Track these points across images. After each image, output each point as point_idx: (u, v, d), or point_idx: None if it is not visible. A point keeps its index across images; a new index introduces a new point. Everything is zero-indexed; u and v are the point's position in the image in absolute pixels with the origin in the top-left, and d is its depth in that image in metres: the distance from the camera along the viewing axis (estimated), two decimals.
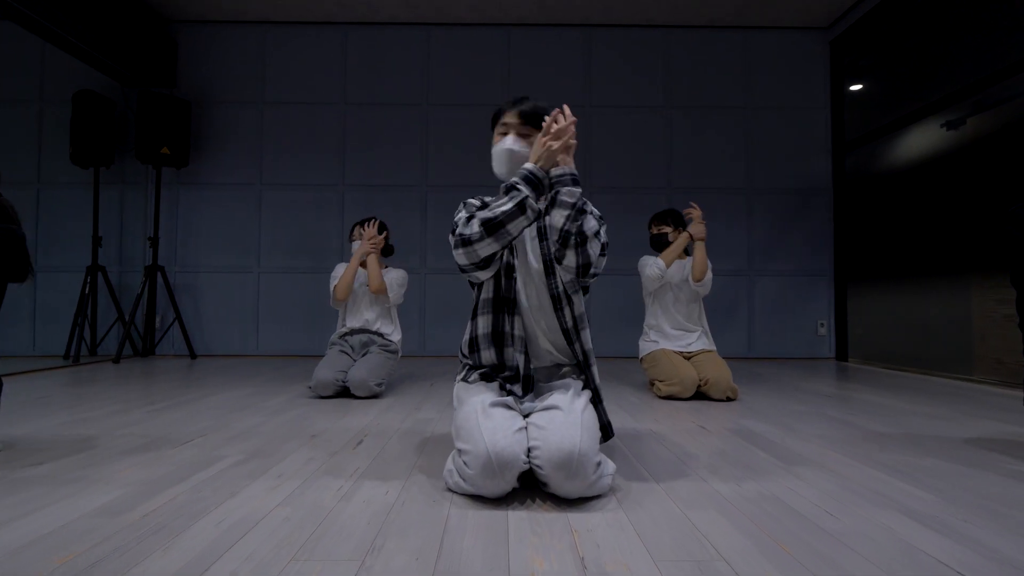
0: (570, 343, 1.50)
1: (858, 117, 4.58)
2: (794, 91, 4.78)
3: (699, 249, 2.77)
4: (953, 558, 0.99)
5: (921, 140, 3.90)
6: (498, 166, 1.56)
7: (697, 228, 2.79)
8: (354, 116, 4.71)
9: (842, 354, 4.60)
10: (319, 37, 4.73)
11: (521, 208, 1.37)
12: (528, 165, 1.43)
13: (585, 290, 1.60)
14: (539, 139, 1.45)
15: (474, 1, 4.42)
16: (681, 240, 2.79)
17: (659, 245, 2.91)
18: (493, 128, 1.62)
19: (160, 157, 4.30)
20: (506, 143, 1.53)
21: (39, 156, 4.62)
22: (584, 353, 1.52)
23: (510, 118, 1.56)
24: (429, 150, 4.70)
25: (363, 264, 2.90)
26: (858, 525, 1.14)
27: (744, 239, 4.69)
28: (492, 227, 1.37)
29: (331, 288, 2.88)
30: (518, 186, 1.40)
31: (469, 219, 1.41)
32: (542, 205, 1.45)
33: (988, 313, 3.34)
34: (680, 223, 2.91)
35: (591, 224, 1.42)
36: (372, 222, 2.93)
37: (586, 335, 1.54)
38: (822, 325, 4.67)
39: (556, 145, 1.42)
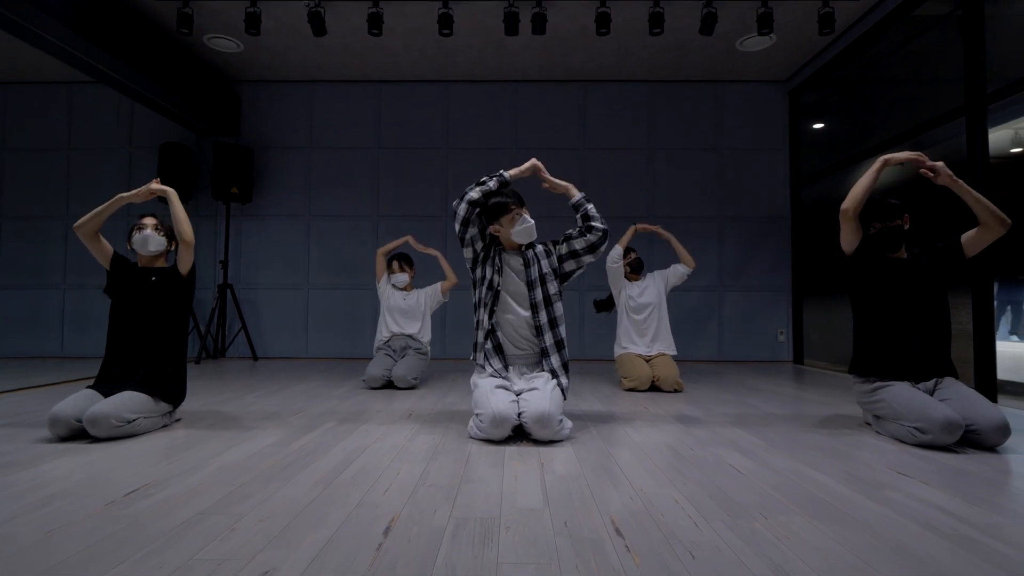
0: (540, 334, 2.38)
1: (813, 156, 5.40)
2: (758, 134, 5.61)
3: (675, 244, 3.72)
4: (742, 466, 1.85)
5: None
6: (528, 237, 2.38)
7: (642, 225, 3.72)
8: (386, 158, 5.64)
9: (798, 358, 5.42)
10: (357, 93, 5.67)
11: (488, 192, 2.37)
12: (506, 174, 2.37)
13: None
14: (534, 167, 2.41)
15: (486, 61, 5.32)
16: (629, 232, 3.67)
17: (637, 267, 3.77)
18: (498, 217, 2.35)
19: (230, 195, 5.26)
20: (530, 221, 2.36)
21: None
22: (551, 344, 2.40)
23: (521, 209, 2.36)
24: (449, 186, 5.60)
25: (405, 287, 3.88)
26: (703, 454, 2.00)
27: (715, 260, 5.53)
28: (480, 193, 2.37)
29: (377, 267, 3.93)
30: (492, 179, 2.38)
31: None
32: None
33: None
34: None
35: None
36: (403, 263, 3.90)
37: (556, 331, 2.42)
38: (781, 333, 5.49)
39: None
